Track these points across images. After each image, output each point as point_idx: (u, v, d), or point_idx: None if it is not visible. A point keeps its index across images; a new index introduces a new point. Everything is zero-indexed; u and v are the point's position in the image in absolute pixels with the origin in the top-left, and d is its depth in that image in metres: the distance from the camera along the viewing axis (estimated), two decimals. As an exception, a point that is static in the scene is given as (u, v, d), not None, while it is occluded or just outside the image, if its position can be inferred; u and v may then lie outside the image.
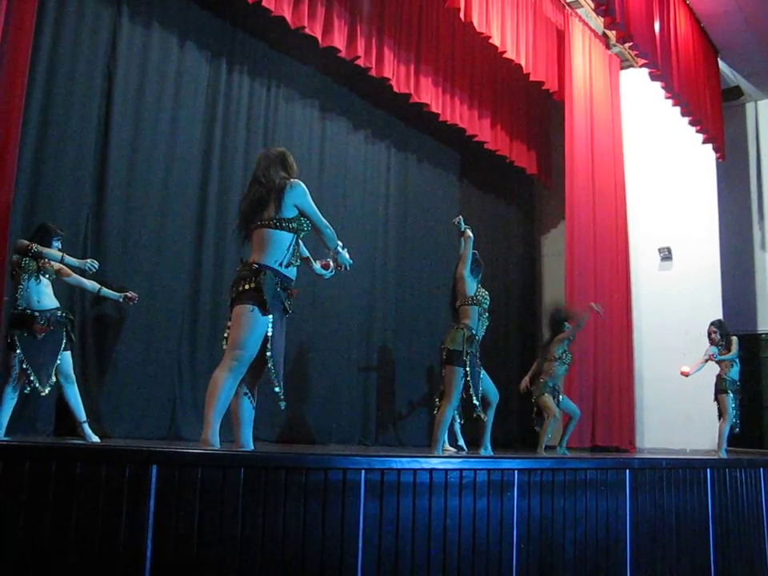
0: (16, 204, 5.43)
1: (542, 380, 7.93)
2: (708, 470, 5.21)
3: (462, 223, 6.50)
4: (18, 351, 5.25)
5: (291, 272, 4.14)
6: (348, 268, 4.49)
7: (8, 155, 4.88)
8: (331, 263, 4.55)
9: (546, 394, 7.82)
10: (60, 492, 2.76)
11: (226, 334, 4.09)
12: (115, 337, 6.67)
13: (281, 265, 4.05)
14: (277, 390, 4.09)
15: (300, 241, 4.23)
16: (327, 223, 4.30)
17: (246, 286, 3.98)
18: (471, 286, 6.38)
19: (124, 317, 6.63)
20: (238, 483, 2.96)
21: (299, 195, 4.13)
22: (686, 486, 4.99)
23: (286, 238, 4.08)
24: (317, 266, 4.58)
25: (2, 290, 4.82)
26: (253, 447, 4.12)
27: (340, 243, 4.39)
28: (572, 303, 9.31)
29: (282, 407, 4.31)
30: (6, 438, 4.98)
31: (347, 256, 4.43)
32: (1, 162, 4.83)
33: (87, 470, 2.80)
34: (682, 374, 8.28)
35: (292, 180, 4.17)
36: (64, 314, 5.54)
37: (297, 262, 4.18)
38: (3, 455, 2.79)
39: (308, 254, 4.51)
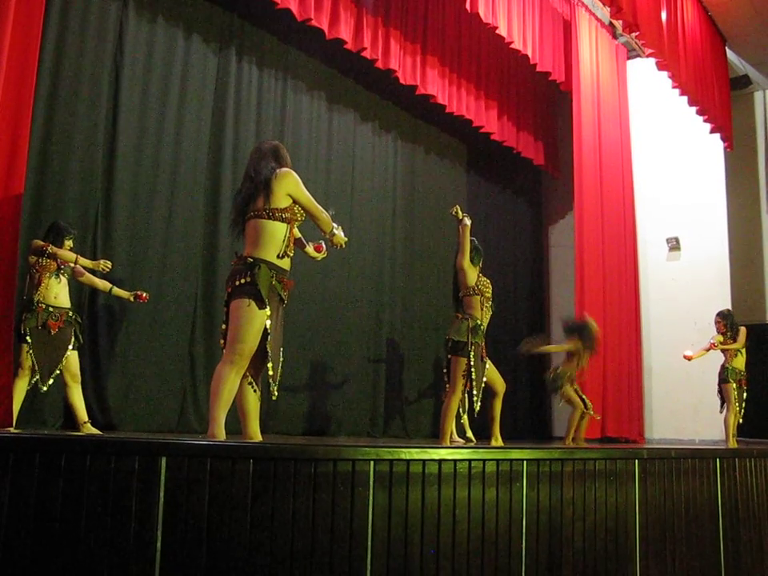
0: (24, 200, 5.44)
1: (560, 371, 7.69)
2: (717, 459, 5.20)
3: (460, 211, 6.30)
4: (30, 344, 5.29)
5: (286, 263, 4.12)
6: (344, 246, 4.45)
7: (18, 150, 4.89)
8: (324, 246, 4.54)
9: (568, 386, 7.61)
10: (70, 484, 2.77)
11: (223, 328, 4.10)
12: (125, 330, 6.70)
13: (275, 257, 4.05)
14: (271, 382, 4.09)
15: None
16: (321, 208, 4.27)
17: (242, 280, 3.98)
18: (472, 275, 6.32)
19: (134, 310, 6.64)
20: (247, 475, 2.97)
21: (290, 183, 4.09)
22: (695, 476, 4.98)
23: (279, 228, 4.06)
24: (309, 248, 4.56)
25: (14, 284, 4.84)
26: (261, 438, 4.13)
27: (334, 224, 4.34)
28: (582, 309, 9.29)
29: (274, 398, 4.29)
30: (16, 431, 5.00)
31: (342, 234, 4.38)
32: (11, 157, 4.84)
33: (96, 462, 2.80)
34: (685, 357, 8.31)
35: (281, 169, 4.14)
36: (73, 316, 5.59)
37: (291, 252, 4.16)
38: (13, 447, 2.80)
39: (300, 235, 4.44)
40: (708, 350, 8.22)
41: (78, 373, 5.57)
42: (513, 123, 10.55)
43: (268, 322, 3.99)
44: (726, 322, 8.26)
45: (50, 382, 5.38)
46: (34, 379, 5.33)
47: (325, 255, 4.61)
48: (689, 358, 8.30)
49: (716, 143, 10.74)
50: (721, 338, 8.20)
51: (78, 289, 6.13)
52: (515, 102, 10.65)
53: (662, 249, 10.91)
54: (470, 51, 9.78)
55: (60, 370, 5.42)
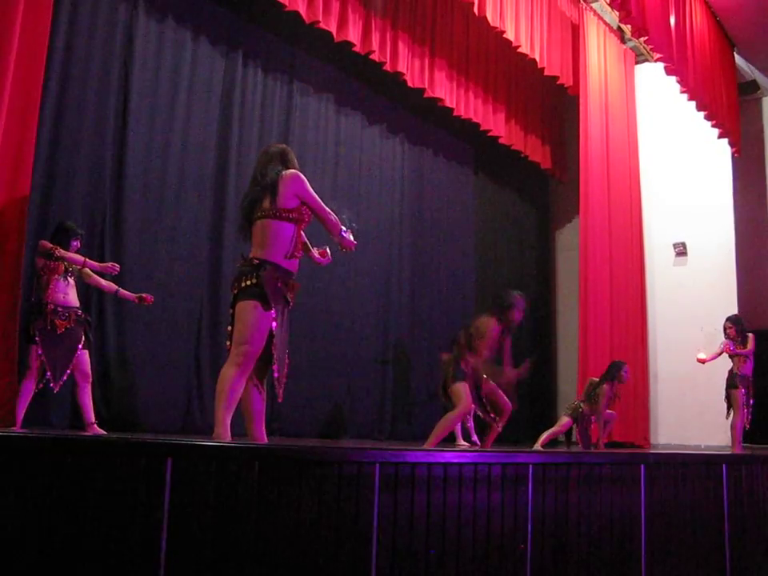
0: (31, 198, 5.44)
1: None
2: (723, 465, 5.17)
3: None
4: (39, 345, 5.29)
5: (293, 265, 4.11)
6: (353, 250, 4.43)
7: (25, 150, 4.90)
8: (328, 251, 4.52)
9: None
10: (75, 485, 2.77)
11: (229, 329, 4.09)
12: (132, 331, 6.70)
13: (282, 258, 4.03)
14: (277, 384, 4.08)
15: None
16: (329, 210, 4.24)
17: (248, 282, 3.96)
18: None
19: (141, 312, 6.64)
20: (253, 476, 2.96)
21: (296, 183, 4.08)
22: (701, 482, 4.95)
23: (287, 229, 4.04)
24: (314, 253, 4.54)
25: (19, 285, 4.85)
26: (266, 440, 4.12)
27: (343, 228, 4.31)
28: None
29: (280, 400, 4.28)
30: (22, 431, 5.00)
31: (351, 238, 4.35)
32: (18, 156, 4.86)
33: (102, 462, 2.81)
34: (699, 360, 8.27)
35: (287, 171, 4.12)
36: (83, 315, 5.59)
37: (299, 254, 4.15)
38: (20, 447, 2.80)
39: (306, 239, 4.41)
40: (720, 353, 8.20)
41: (89, 372, 5.57)
42: (520, 127, 10.56)
43: (274, 324, 3.98)
44: (737, 328, 8.23)
45: (62, 382, 5.39)
46: (43, 381, 5.33)
47: (330, 261, 4.59)
48: (702, 361, 8.27)
49: (724, 148, 10.71)
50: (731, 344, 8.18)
51: (84, 291, 6.14)
52: (523, 105, 10.66)
53: (668, 254, 10.89)
54: (477, 55, 9.79)
55: (71, 369, 5.43)
